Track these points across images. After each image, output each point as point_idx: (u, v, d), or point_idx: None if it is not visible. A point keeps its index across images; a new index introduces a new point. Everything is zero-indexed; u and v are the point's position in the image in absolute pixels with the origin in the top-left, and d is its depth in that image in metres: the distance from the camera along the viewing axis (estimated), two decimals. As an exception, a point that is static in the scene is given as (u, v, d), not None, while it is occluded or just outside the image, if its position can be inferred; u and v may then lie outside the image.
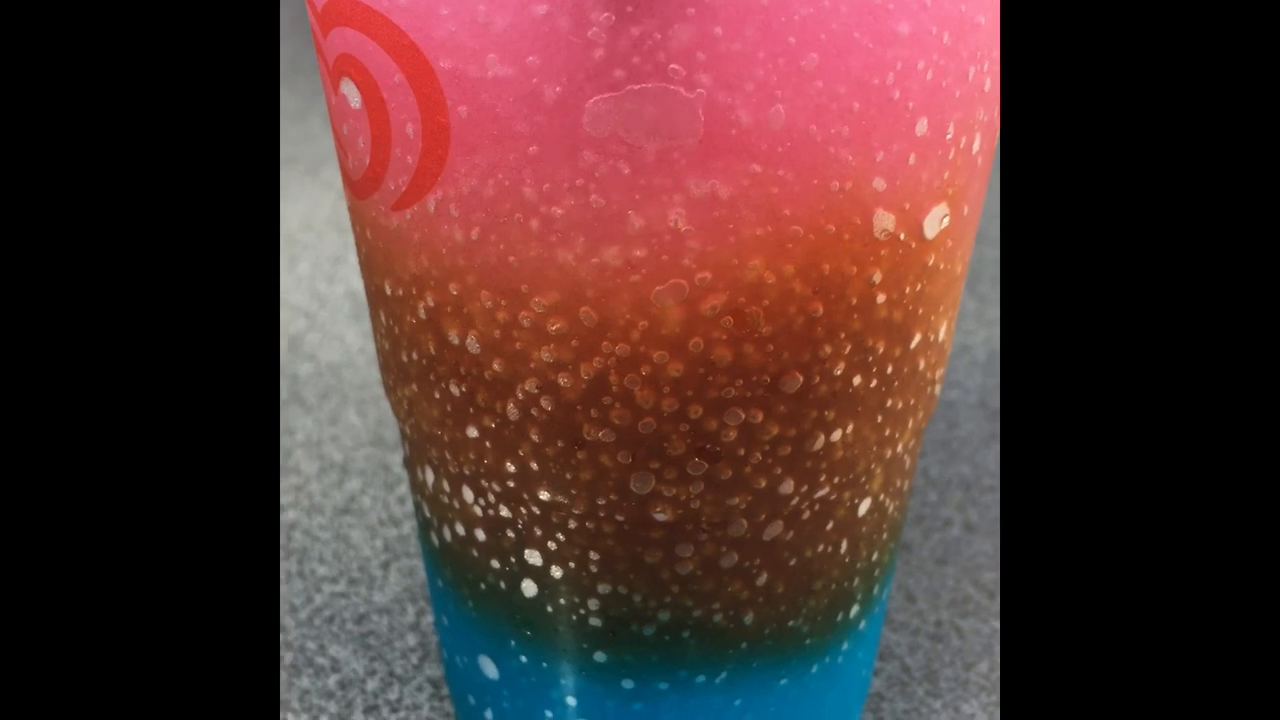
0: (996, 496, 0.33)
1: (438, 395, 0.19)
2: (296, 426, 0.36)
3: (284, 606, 0.29)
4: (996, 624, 0.29)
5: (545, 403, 0.18)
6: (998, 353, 0.40)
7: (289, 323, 0.42)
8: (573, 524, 0.19)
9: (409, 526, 0.32)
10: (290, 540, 0.31)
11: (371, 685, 0.27)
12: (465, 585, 0.22)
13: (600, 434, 0.18)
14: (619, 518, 0.19)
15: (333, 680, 0.27)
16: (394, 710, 0.26)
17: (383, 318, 0.20)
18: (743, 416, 0.18)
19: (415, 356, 0.19)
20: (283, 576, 0.30)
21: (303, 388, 0.38)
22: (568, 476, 0.19)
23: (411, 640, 0.28)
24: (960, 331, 0.41)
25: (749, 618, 0.20)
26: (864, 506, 0.21)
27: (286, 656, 0.28)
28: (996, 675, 0.27)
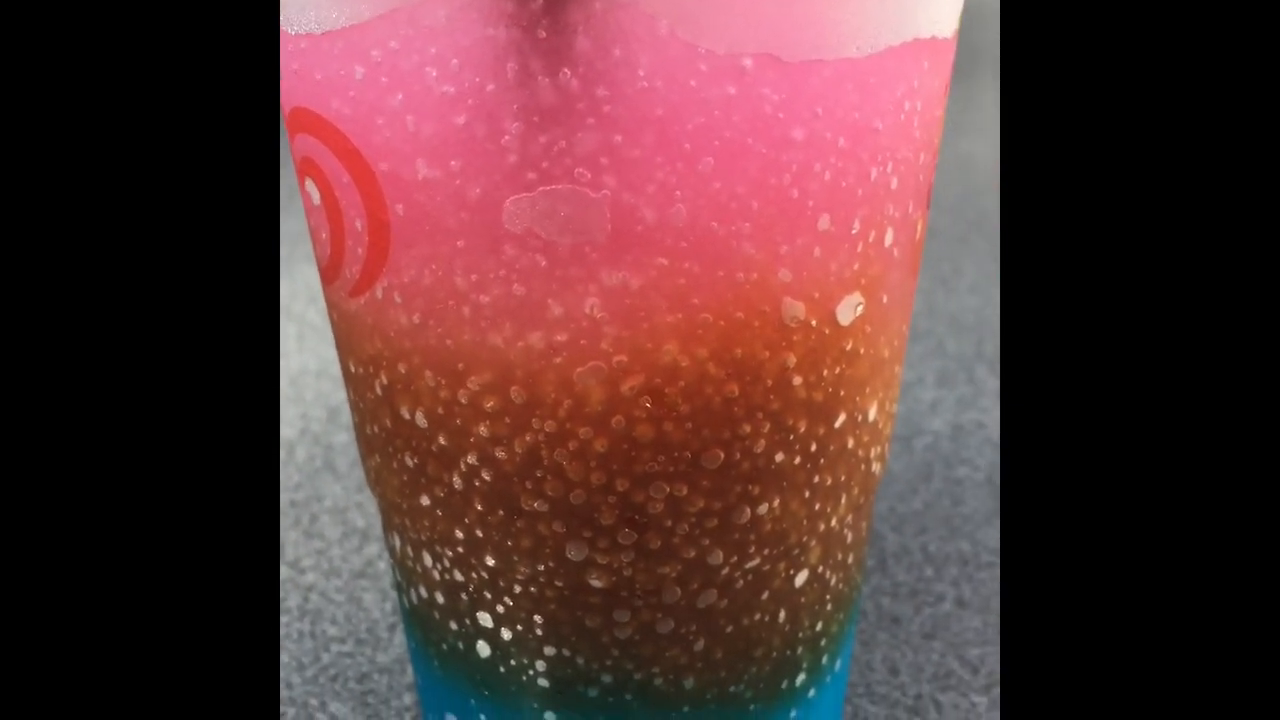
0: (992, 573, 0.34)
1: (395, 465, 0.21)
2: (326, 493, 0.38)
3: (292, 665, 0.31)
4: (976, 699, 0.29)
5: (485, 474, 0.20)
6: (1011, 431, 0.40)
7: (330, 394, 0.44)
8: (518, 589, 0.21)
9: (420, 591, 0.34)
10: (307, 602, 0.33)
11: (365, 741, 0.28)
12: (431, 645, 0.23)
13: (536, 504, 0.20)
14: (558, 583, 0.20)
15: (329, 735, 0.28)
16: (383, 765, 0.28)
17: (351, 393, 0.22)
18: (668, 490, 0.19)
19: (376, 430, 0.21)
20: (295, 636, 0.32)
21: (336, 456, 0.40)
22: (509, 544, 0.20)
23: (407, 699, 0.29)
24: (975, 409, 0.42)
25: (689, 682, 0.21)
26: (801, 578, 0.22)
27: (289, 713, 0.29)
28: (968, 749, 0.28)
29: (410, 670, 0.30)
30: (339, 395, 0.44)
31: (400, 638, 0.32)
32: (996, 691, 0.29)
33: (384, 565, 0.35)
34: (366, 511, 0.37)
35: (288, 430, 0.42)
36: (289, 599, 0.33)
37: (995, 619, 0.32)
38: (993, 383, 0.43)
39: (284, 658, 0.31)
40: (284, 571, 0.34)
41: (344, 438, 0.41)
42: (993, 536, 0.35)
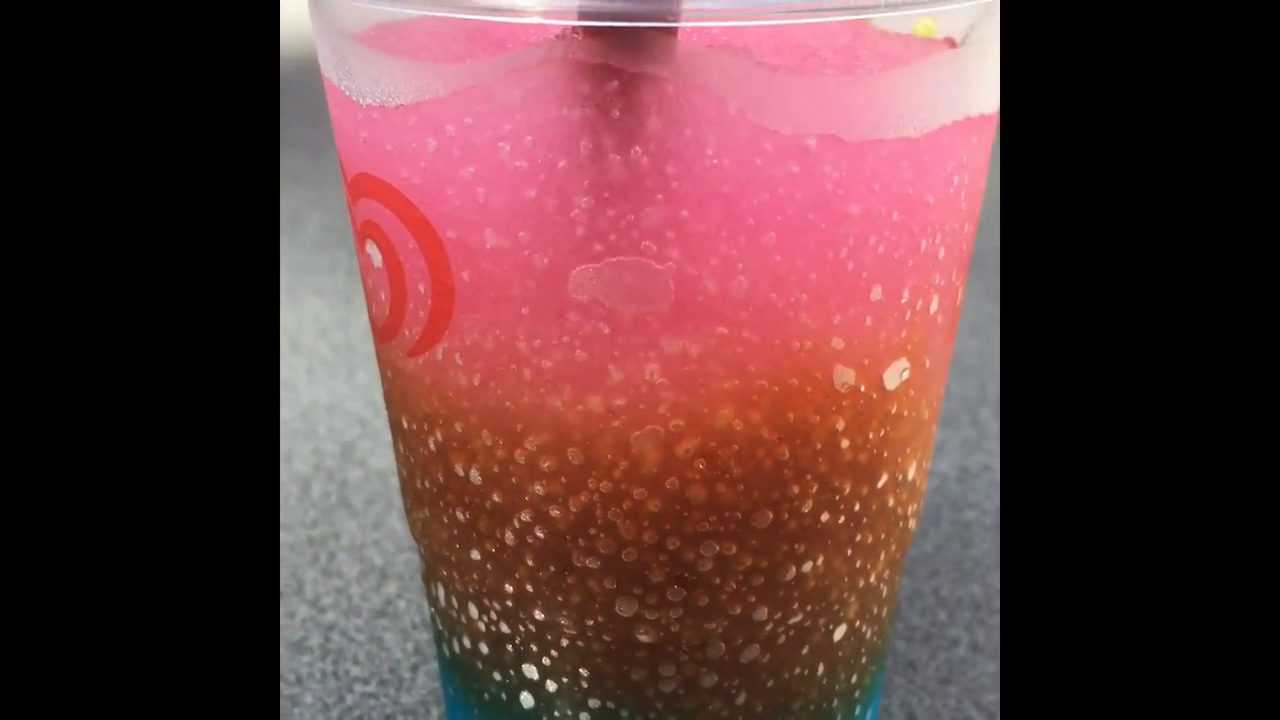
0: (1005, 618, 0.34)
1: (446, 520, 0.21)
2: (342, 530, 0.39)
3: (317, 705, 0.31)
4: (993, 745, 0.30)
5: (539, 531, 0.20)
6: (1018, 474, 0.41)
7: (344, 429, 0.45)
8: (565, 642, 0.21)
9: (440, 631, 0.34)
10: (328, 641, 0.33)
11: (393, 784, 0.29)
12: (472, 694, 0.23)
13: (588, 561, 0.20)
14: (606, 638, 0.21)
15: (357, 777, 0.29)
16: (412, 809, 0.28)
17: (401, 448, 0.22)
18: (717, 549, 0.20)
19: (427, 484, 0.21)
20: (318, 676, 0.32)
21: (351, 493, 0.41)
22: (559, 599, 0.21)
23: (433, 741, 0.30)
24: (981, 452, 0.43)
25: (730, 734, 0.22)
26: (839, 632, 0.22)
27: (316, 753, 0.29)
28: (989, 796, 0.28)
29: (434, 713, 0.31)
30: (352, 431, 0.44)
31: (423, 678, 0.32)
32: (1013, 737, 0.30)
33: (404, 604, 0.35)
34: (384, 549, 0.38)
35: (301, 466, 0.42)
36: (310, 638, 0.34)
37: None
38: (996, 425, 0.44)
39: (308, 698, 0.31)
40: (304, 610, 0.35)
41: (358, 474, 0.42)
42: (1003, 580, 0.36)
